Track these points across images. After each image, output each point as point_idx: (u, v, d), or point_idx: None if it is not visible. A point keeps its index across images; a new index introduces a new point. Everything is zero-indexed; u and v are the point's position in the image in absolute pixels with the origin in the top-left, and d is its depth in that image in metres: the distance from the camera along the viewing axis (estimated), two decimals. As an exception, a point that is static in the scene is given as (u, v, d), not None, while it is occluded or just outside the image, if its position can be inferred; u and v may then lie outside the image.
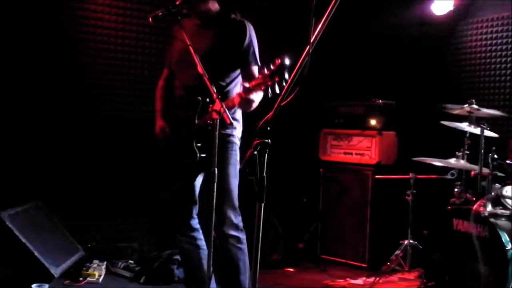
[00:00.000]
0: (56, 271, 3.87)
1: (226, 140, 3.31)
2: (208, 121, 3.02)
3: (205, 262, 3.31)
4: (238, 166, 3.33)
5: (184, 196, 3.43)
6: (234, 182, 3.32)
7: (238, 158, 3.36)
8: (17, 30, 4.30)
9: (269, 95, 2.69)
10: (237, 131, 3.40)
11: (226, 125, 3.06)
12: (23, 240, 3.79)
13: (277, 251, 4.92)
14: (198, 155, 3.14)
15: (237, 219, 3.32)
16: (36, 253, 3.80)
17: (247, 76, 3.23)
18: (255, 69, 3.30)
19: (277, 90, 2.67)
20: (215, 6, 3.34)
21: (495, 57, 4.92)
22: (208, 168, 2.96)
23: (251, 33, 3.32)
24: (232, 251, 3.30)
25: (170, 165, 3.41)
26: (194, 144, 3.17)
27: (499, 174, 3.93)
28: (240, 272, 3.31)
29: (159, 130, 3.47)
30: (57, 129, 4.48)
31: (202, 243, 3.48)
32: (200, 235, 3.48)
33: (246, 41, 3.29)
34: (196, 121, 3.17)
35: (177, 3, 3.14)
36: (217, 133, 2.90)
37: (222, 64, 3.29)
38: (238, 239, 3.31)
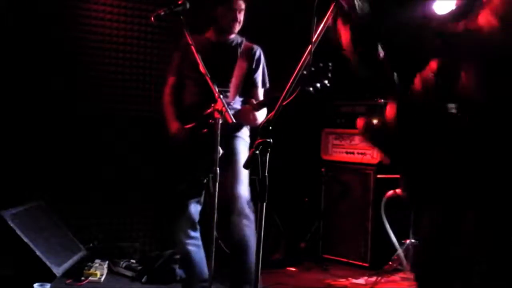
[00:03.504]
0: (58, 271, 3.87)
1: (235, 136, 3.53)
2: (210, 121, 3.03)
3: (206, 263, 3.37)
4: (247, 154, 3.45)
5: (195, 195, 3.48)
6: (241, 163, 3.42)
7: (247, 147, 3.56)
8: (18, 30, 4.31)
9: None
10: (244, 130, 3.60)
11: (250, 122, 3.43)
12: (25, 240, 3.80)
13: (279, 251, 4.92)
14: (221, 152, 3.11)
15: (247, 195, 3.45)
16: (38, 253, 3.80)
17: (251, 96, 3.53)
18: (260, 92, 3.61)
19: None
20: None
21: (497, 56, 4.91)
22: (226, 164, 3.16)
23: (262, 58, 3.61)
24: (246, 230, 3.39)
25: (186, 164, 3.43)
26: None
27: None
28: (251, 251, 3.39)
29: (176, 131, 3.49)
30: (59, 129, 4.48)
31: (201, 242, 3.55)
32: (199, 234, 3.53)
33: (260, 68, 3.60)
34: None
35: (179, 2, 3.15)
36: (219, 132, 2.91)
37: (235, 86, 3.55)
38: (250, 220, 3.42)
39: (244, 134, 3.59)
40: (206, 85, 3.14)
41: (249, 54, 3.59)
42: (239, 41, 3.63)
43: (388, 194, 4.37)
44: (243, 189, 3.44)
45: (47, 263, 3.81)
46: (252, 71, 3.59)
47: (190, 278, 3.63)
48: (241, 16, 3.54)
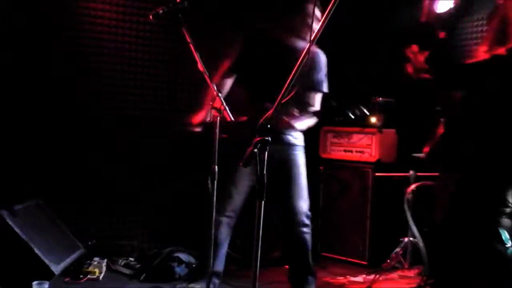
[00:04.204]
0: (56, 269, 3.87)
1: (291, 143, 3.68)
2: (209, 119, 3.03)
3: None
4: (304, 164, 3.72)
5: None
6: (305, 178, 3.72)
7: (304, 158, 3.74)
8: (17, 28, 4.30)
9: None
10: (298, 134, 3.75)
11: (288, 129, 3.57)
12: (24, 238, 3.79)
13: (277, 249, 4.92)
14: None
15: (308, 209, 3.76)
16: (36, 251, 3.79)
17: (304, 99, 3.66)
18: (314, 95, 3.73)
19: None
20: None
21: (495, 54, 4.91)
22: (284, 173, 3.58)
23: (323, 63, 3.70)
24: (306, 238, 3.74)
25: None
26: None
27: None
28: (310, 256, 3.80)
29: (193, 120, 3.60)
30: (58, 127, 4.48)
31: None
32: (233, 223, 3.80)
33: (318, 72, 3.68)
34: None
35: (178, 0, 3.15)
36: (217, 130, 2.91)
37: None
38: (309, 227, 3.77)
39: (300, 140, 3.76)
40: (253, 84, 3.16)
41: (310, 58, 3.61)
42: (303, 43, 3.66)
43: (412, 187, 4.34)
44: (305, 204, 3.73)
45: (46, 261, 3.81)
46: (308, 74, 3.64)
47: (204, 267, 3.67)
48: (316, 25, 3.56)
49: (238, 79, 3.73)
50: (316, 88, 3.72)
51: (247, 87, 3.69)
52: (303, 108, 3.65)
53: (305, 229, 3.76)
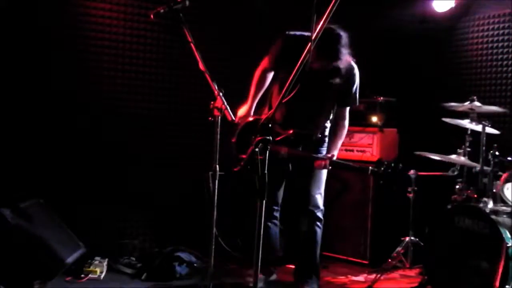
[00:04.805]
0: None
1: (319, 141, 3.91)
2: (210, 119, 3.04)
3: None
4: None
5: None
6: (325, 176, 3.95)
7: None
8: (17, 28, 4.31)
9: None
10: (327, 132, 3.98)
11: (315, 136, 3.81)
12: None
13: (280, 248, 4.92)
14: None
15: (323, 204, 3.96)
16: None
17: (338, 114, 3.85)
18: (347, 110, 3.87)
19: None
20: None
21: (497, 54, 4.92)
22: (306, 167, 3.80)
23: (356, 77, 3.75)
24: (317, 231, 3.94)
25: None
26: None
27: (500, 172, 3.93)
28: (318, 251, 4.02)
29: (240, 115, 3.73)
30: (59, 127, 4.48)
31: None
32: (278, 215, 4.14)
33: (355, 86, 3.76)
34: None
35: (179, 0, 3.16)
36: (218, 129, 2.91)
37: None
38: (322, 222, 3.97)
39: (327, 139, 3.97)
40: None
41: (345, 73, 3.65)
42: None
43: None
44: (321, 198, 3.92)
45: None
46: (342, 89, 3.71)
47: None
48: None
49: (274, 78, 3.87)
50: (352, 103, 3.85)
51: (279, 87, 3.79)
52: (338, 122, 3.87)
53: (318, 223, 3.93)
